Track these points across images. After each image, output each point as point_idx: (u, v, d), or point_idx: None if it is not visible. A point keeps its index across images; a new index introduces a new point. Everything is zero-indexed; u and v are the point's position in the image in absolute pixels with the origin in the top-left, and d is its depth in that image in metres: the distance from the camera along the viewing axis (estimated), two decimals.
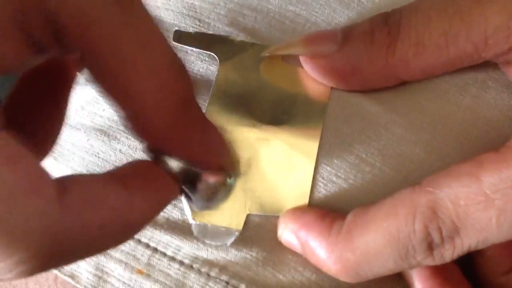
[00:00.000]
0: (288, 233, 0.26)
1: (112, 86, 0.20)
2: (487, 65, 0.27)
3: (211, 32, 0.29)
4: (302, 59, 0.27)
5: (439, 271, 0.26)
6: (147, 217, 0.21)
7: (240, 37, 0.29)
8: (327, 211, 0.26)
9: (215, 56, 0.29)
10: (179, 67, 0.21)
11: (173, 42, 0.29)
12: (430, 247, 0.23)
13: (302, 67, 0.28)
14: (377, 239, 0.23)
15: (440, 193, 0.22)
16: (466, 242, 0.23)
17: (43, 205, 0.17)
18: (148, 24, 0.20)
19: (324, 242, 0.25)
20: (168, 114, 0.21)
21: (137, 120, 0.21)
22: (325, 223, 0.25)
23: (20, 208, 0.16)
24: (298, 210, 0.26)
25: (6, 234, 0.16)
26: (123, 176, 0.21)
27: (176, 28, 0.29)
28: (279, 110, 0.28)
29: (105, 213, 0.19)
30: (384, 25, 0.26)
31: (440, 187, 0.23)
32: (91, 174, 0.20)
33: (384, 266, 0.24)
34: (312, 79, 0.28)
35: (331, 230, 0.25)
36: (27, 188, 0.17)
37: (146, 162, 0.22)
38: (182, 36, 0.29)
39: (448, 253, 0.23)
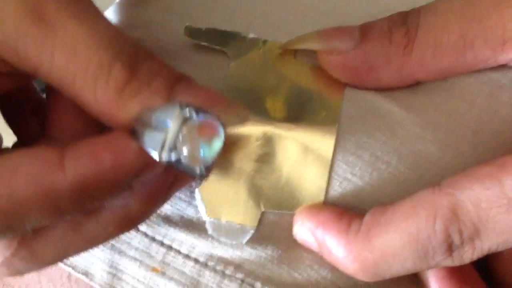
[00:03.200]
0: (304, 231, 0.26)
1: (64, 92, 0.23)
2: (503, 64, 0.27)
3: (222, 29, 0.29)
4: (318, 54, 0.27)
5: (455, 272, 0.26)
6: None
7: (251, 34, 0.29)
8: (343, 209, 0.26)
9: (226, 52, 0.28)
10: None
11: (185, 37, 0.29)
12: (450, 248, 0.23)
13: (316, 64, 0.28)
14: (397, 239, 0.23)
15: (461, 195, 0.22)
16: (486, 245, 0.23)
17: None
18: (78, 29, 0.22)
19: (342, 241, 0.25)
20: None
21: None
22: (343, 222, 0.25)
23: None
24: (314, 208, 0.26)
25: None
26: None
27: (187, 24, 0.29)
28: (293, 107, 0.28)
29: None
30: (402, 25, 0.26)
31: (461, 188, 0.23)
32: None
33: (403, 266, 0.24)
34: (327, 76, 0.27)
35: (349, 229, 0.25)
36: None
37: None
38: (192, 31, 0.29)
39: (468, 254, 0.23)
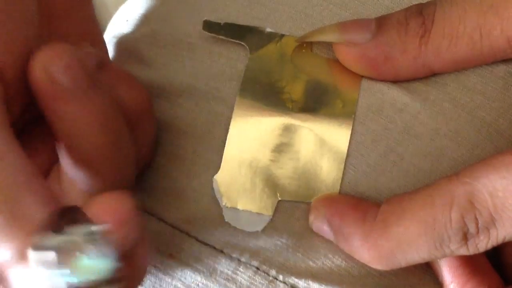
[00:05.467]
0: (320, 220, 0.26)
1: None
2: None
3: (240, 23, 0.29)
4: (334, 46, 0.27)
5: (468, 262, 0.26)
6: None
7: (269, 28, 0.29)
8: (359, 198, 0.26)
9: (245, 46, 0.29)
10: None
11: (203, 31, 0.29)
12: (465, 237, 0.23)
13: (332, 57, 0.28)
14: (412, 228, 0.24)
15: (478, 184, 0.23)
16: (502, 234, 0.23)
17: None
18: None
19: (358, 229, 0.25)
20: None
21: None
22: (359, 211, 0.25)
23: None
24: (331, 197, 0.27)
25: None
26: None
27: (206, 18, 0.29)
28: (310, 99, 0.28)
29: None
30: (418, 15, 0.26)
31: (478, 178, 0.23)
32: None
33: (418, 254, 0.24)
34: (343, 69, 0.28)
35: (365, 217, 0.25)
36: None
37: None
38: (211, 26, 0.29)
39: (483, 243, 0.23)
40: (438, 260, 0.27)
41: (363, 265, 0.27)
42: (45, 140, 0.26)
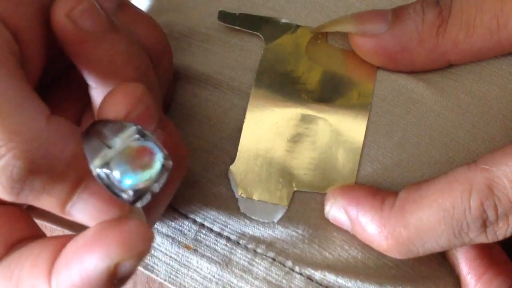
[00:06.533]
0: (337, 209, 0.26)
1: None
2: None
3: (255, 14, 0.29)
4: (350, 37, 0.27)
5: (484, 253, 0.26)
6: None
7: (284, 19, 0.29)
8: (376, 187, 0.26)
9: (260, 36, 0.29)
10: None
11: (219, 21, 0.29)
12: (484, 224, 0.23)
13: (348, 48, 0.28)
14: (431, 215, 0.24)
15: (497, 171, 0.23)
16: None
17: (34, 117, 0.20)
18: None
19: (376, 217, 0.25)
20: None
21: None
22: (377, 199, 0.25)
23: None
24: (347, 187, 0.27)
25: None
26: None
27: (221, 9, 0.29)
28: (326, 89, 0.28)
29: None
30: (435, 6, 0.26)
31: (497, 165, 0.23)
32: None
33: (437, 242, 0.24)
34: (359, 60, 0.28)
35: (383, 205, 0.25)
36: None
37: None
38: (226, 16, 0.29)
39: (502, 231, 0.23)
40: (455, 251, 0.27)
41: (379, 257, 0.27)
42: (75, 90, 0.27)
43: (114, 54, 0.23)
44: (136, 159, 0.20)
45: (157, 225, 0.28)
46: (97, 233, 0.20)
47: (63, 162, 0.20)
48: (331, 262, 0.27)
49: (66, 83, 0.27)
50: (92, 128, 0.21)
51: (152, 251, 0.28)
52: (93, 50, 0.23)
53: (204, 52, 0.30)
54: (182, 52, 0.30)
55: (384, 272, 0.27)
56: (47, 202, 0.21)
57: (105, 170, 0.20)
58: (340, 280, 0.27)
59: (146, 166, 0.20)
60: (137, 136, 0.20)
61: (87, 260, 0.20)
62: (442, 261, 0.28)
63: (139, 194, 0.20)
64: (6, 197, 0.21)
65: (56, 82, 0.28)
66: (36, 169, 0.20)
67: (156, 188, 0.20)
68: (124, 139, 0.20)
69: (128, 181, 0.20)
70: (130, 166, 0.20)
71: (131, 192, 0.20)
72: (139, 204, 0.20)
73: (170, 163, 0.20)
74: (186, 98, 0.29)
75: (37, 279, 0.21)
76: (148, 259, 0.28)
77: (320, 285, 0.27)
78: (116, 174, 0.20)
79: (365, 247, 0.27)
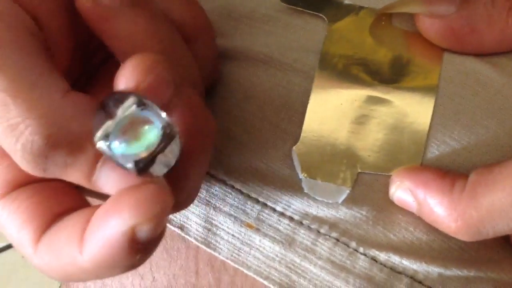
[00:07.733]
0: (403, 191, 0.26)
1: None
2: None
3: None
4: (417, 19, 0.27)
5: None
6: None
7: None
8: (444, 169, 0.26)
9: (324, 17, 0.29)
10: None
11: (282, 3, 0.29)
12: None
13: (413, 30, 0.28)
14: (504, 197, 0.23)
15: None
16: None
17: (49, 92, 0.21)
18: None
19: (446, 199, 0.25)
20: None
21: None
22: (446, 181, 0.25)
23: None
24: (414, 169, 0.26)
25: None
26: None
27: None
28: (391, 71, 0.28)
29: None
30: None
31: None
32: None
33: (508, 224, 0.24)
34: (424, 41, 0.28)
35: (453, 188, 0.25)
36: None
37: None
38: None
39: None
40: None
41: (444, 239, 0.27)
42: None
43: (134, 29, 0.23)
44: (131, 129, 0.20)
45: (219, 204, 0.28)
46: (115, 198, 0.21)
47: (81, 136, 0.21)
48: (395, 244, 0.27)
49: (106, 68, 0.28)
50: (102, 101, 0.21)
51: (215, 230, 0.28)
52: (113, 26, 0.23)
53: (266, 33, 0.30)
54: (242, 33, 0.30)
55: (449, 254, 0.27)
56: (73, 177, 0.22)
57: (106, 142, 0.20)
58: (405, 262, 0.27)
59: (141, 135, 0.20)
60: (134, 106, 0.20)
61: (107, 225, 0.20)
62: (505, 244, 0.27)
63: (142, 164, 0.20)
64: (36, 173, 0.21)
65: (102, 66, 0.28)
66: (54, 143, 0.20)
67: (170, 157, 0.21)
68: (123, 110, 0.20)
69: (126, 151, 0.20)
70: (126, 137, 0.20)
71: (131, 162, 0.20)
72: (155, 174, 0.21)
73: (176, 129, 0.20)
74: (246, 78, 0.29)
75: (72, 248, 0.21)
76: (210, 237, 0.28)
77: (385, 266, 0.27)
78: (115, 145, 0.20)
79: (430, 229, 0.26)
